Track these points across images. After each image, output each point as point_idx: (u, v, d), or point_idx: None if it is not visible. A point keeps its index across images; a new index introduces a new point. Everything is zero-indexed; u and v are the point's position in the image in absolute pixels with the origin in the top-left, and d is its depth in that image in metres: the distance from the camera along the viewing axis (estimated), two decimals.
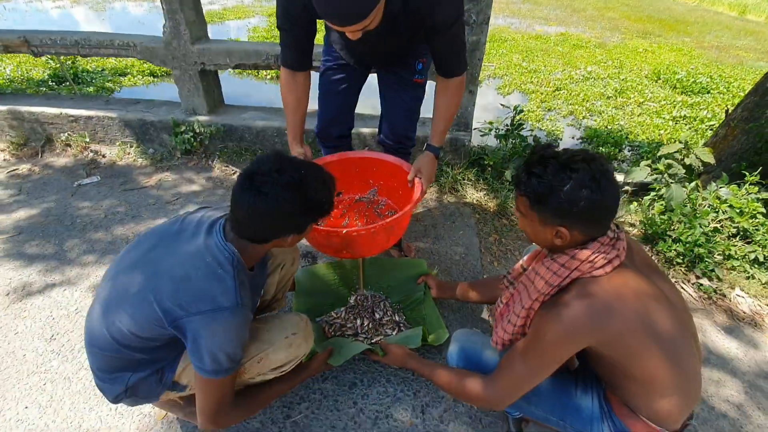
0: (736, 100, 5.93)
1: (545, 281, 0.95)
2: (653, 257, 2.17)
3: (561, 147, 3.48)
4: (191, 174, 2.55)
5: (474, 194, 2.44)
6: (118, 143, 2.72)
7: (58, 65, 4.47)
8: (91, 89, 4.68)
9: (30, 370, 1.46)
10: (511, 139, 2.80)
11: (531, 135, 2.77)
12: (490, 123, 3.00)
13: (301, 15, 1.31)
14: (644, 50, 8.27)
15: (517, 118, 2.84)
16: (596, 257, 0.90)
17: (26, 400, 1.37)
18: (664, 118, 5.39)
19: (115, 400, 1.03)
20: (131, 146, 2.71)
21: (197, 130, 2.52)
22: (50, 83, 4.57)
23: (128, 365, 0.99)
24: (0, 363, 1.48)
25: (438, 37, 1.32)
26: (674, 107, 5.70)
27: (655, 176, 2.47)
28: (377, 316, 1.57)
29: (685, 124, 5.28)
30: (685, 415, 0.93)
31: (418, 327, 1.47)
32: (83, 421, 1.31)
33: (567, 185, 0.86)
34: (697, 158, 2.41)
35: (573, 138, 4.89)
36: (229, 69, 2.45)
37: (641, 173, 2.52)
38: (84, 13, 9.59)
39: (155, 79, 5.44)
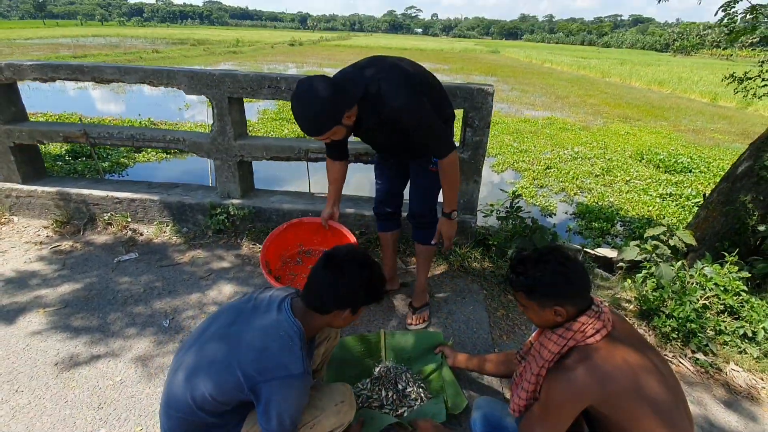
0: (717, 179, 6.32)
1: (548, 350, 1.17)
2: (650, 332, 2.34)
3: (555, 222, 3.78)
4: (221, 251, 2.79)
5: (481, 272, 2.66)
6: (155, 223, 2.99)
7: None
8: (106, 164, 5.05)
9: None
10: (511, 221, 3.09)
11: (529, 217, 3.06)
12: (491, 205, 3.31)
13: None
14: (626, 133, 8.94)
15: (516, 201, 3.16)
16: (586, 327, 1.13)
17: None
18: (650, 195, 5.72)
19: None
20: (167, 225, 2.98)
21: (231, 212, 2.81)
22: (66, 157, 4.94)
23: (200, 429, 1.14)
24: (53, 430, 1.59)
25: (414, 135, 1.69)
26: (660, 185, 6.06)
27: (644, 255, 2.72)
28: (400, 386, 1.71)
29: (672, 201, 5.59)
30: None
31: (439, 397, 1.61)
32: None
33: (544, 273, 1.14)
34: (679, 240, 2.68)
35: (566, 213, 5.20)
36: (265, 159, 2.80)
37: (631, 252, 2.77)
38: (103, 94, 10.46)
39: (168, 156, 5.92)
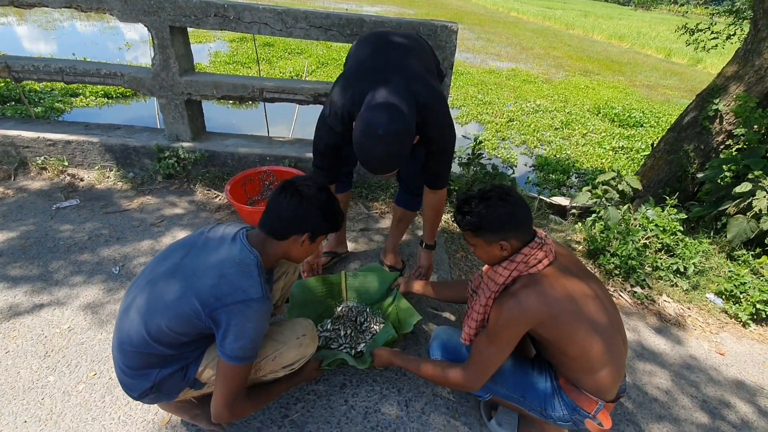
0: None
1: (494, 281, 1.22)
2: (595, 269, 2.50)
3: (515, 173, 3.86)
4: (173, 197, 2.65)
5: (443, 217, 2.69)
6: (97, 167, 2.77)
7: (1, 84, 4.37)
8: (38, 110, 4.58)
9: (26, 386, 1.50)
10: (472, 167, 3.12)
11: (490, 163, 3.10)
12: (456, 152, 3.32)
13: (336, 149, 1.58)
14: (585, 87, 9.13)
15: (477, 147, 3.18)
16: (529, 258, 1.18)
17: (25, 415, 1.42)
18: (605, 148, 6.00)
19: (139, 396, 1.14)
20: (111, 170, 2.77)
21: (181, 156, 2.64)
22: None
23: (157, 361, 1.11)
24: None
25: (436, 158, 1.58)
26: (613, 139, 6.35)
27: (594, 200, 2.85)
28: (359, 322, 1.75)
29: (624, 154, 5.90)
30: (617, 386, 1.19)
31: (388, 324, 1.67)
32: (86, 431, 1.38)
33: (488, 209, 1.17)
34: (627, 185, 2.81)
35: (526, 165, 5.36)
36: (215, 99, 2.61)
37: (583, 197, 2.90)
38: (31, 31, 9.26)
39: (109, 101, 5.43)
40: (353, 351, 1.63)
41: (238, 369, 1.08)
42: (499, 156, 5.38)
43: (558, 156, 5.59)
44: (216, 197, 2.67)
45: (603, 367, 1.15)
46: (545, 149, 5.82)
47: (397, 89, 1.36)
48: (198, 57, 7.97)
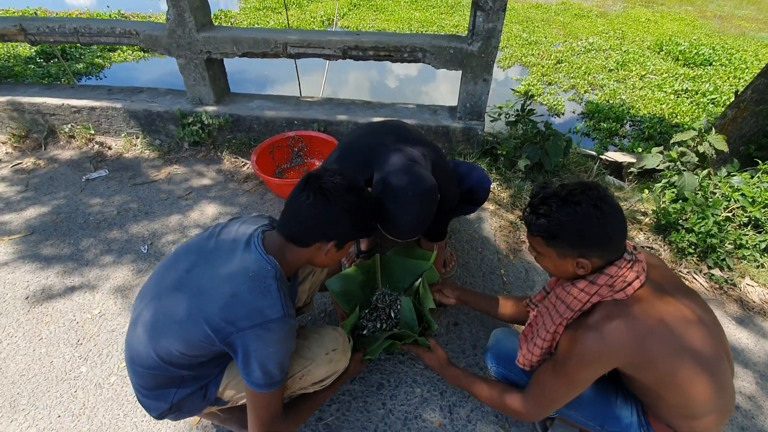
0: (738, 73, 5.90)
1: (566, 305, 0.99)
2: (665, 247, 2.19)
3: (562, 122, 3.41)
4: (201, 167, 2.51)
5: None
6: (123, 134, 2.66)
7: None
8: (80, 66, 4.54)
9: (59, 377, 1.48)
10: (521, 126, 2.77)
11: (542, 121, 2.73)
12: (500, 107, 2.96)
13: None
14: (647, 20, 8.12)
15: (527, 103, 2.80)
16: (615, 281, 0.94)
17: (59, 409, 1.39)
18: (665, 91, 5.37)
19: (159, 416, 1.05)
20: (137, 137, 2.65)
21: (205, 122, 2.47)
22: (38, 59, 4.41)
23: (173, 382, 1.00)
24: (28, 370, 1.49)
25: (441, 217, 1.46)
26: (676, 80, 5.68)
27: (667, 164, 2.47)
28: (391, 314, 1.59)
29: (687, 98, 5.27)
30: (720, 429, 0.97)
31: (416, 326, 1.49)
32: (118, 428, 1.34)
33: (573, 217, 0.91)
34: (711, 146, 2.40)
35: (574, 113, 4.88)
36: (237, 56, 2.37)
37: (653, 160, 2.52)
38: None
39: (146, 54, 5.28)
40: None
41: (268, 396, 0.95)
42: (544, 103, 4.90)
43: (611, 102, 5.03)
44: (243, 165, 2.52)
45: (710, 413, 0.93)
46: (597, 94, 5.25)
47: (409, 151, 1.30)
48: (228, 4, 7.60)
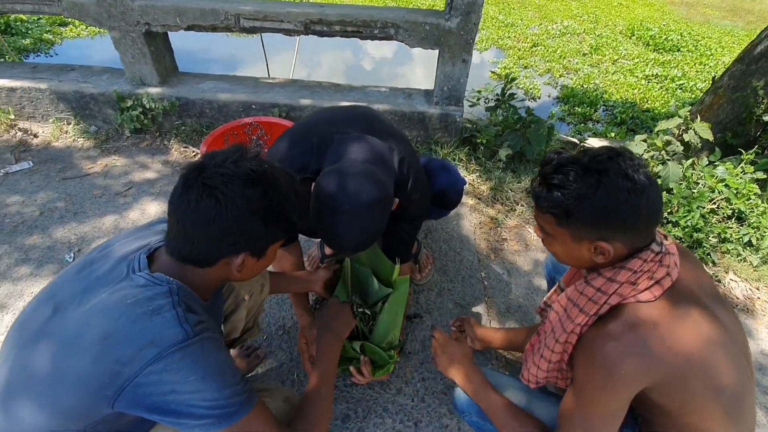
0: (704, 60, 6.02)
1: (579, 309, 0.81)
2: None
3: (539, 105, 3.24)
4: (144, 157, 2.21)
5: (466, 176, 2.25)
6: (52, 120, 2.30)
7: None
8: (26, 41, 4.05)
9: None
10: (501, 111, 2.59)
11: (523, 107, 2.56)
12: (479, 91, 2.77)
13: None
14: (619, 3, 8.17)
15: (508, 87, 2.62)
16: (638, 277, 0.76)
17: None
18: (637, 76, 5.44)
19: None
20: (69, 123, 2.30)
21: (147, 106, 2.15)
22: None
23: None
24: None
25: (406, 226, 1.36)
26: (647, 65, 5.75)
27: (652, 153, 2.37)
28: (364, 331, 1.40)
29: (657, 83, 5.34)
30: None
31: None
32: None
33: (599, 191, 0.72)
34: (696, 134, 2.30)
35: (549, 96, 4.82)
36: (182, 30, 2.06)
37: (638, 149, 2.40)
38: None
39: (103, 31, 4.75)
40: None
41: (245, 421, 0.72)
42: (520, 86, 4.81)
43: (585, 86, 5.02)
44: (195, 155, 2.23)
45: None
46: (571, 78, 5.22)
47: (373, 144, 1.08)
48: None
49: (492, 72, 2.87)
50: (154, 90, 2.20)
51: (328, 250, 1.67)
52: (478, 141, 2.34)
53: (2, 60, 3.54)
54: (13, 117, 2.28)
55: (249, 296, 1.05)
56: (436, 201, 1.43)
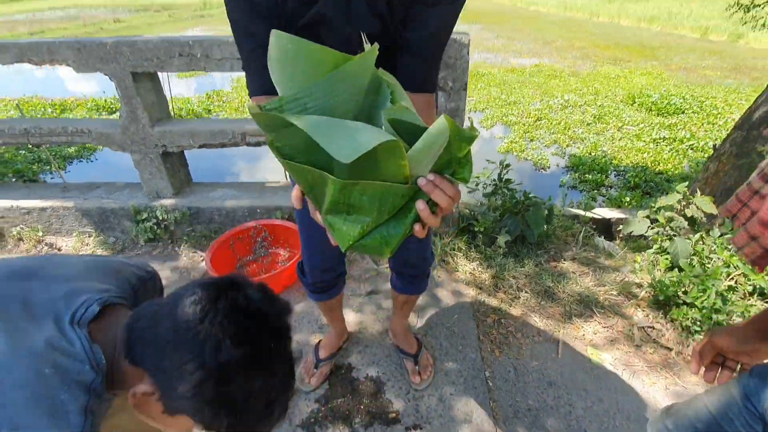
0: (711, 119, 6.07)
1: None
2: (667, 326, 1.97)
3: (550, 173, 3.28)
4: (156, 264, 2.32)
5: (466, 266, 2.24)
6: (75, 234, 2.49)
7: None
8: (71, 149, 4.50)
9: None
10: (500, 196, 2.64)
11: (520, 191, 2.61)
12: (477, 177, 2.85)
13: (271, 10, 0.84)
14: (616, 76, 8.48)
15: (504, 172, 2.70)
16: None
17: None
18: (644, 140, 5.47)
19: None
20: (90, 236, 2.48)
21: (160, 217, 2.31)
22: (28, 144, 4.30)
23: None
24: None
25: (429, 42, 0.90)
26: (653, 129, 5.81)
27: (656, 229, 2.32)
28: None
29: (666, 145, 5.36)
30: None
31: None
32: None
33: None
34: (698, 209, 2.26)
35: (558, 166, 4.89)
36: (194, 149, 2.28)
37: (641, 226, 2.37)
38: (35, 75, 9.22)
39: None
40: None
41: None
42: (528, 158, 4.93)
43: (593, 154, 5.08)
44: (202, 260, 2.33)
45: None
46: (578, 147, 5.32)
47: None
48: (221, 83, 7.80)
49: (488, 161, 2.97)
50: (168, 201, 2.38)
51: (322, 354, 1.65)
52: (476, 229, 2.36)
53: (46, 171, 3.93)
54: (41, 234, 2.48)
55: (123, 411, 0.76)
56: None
